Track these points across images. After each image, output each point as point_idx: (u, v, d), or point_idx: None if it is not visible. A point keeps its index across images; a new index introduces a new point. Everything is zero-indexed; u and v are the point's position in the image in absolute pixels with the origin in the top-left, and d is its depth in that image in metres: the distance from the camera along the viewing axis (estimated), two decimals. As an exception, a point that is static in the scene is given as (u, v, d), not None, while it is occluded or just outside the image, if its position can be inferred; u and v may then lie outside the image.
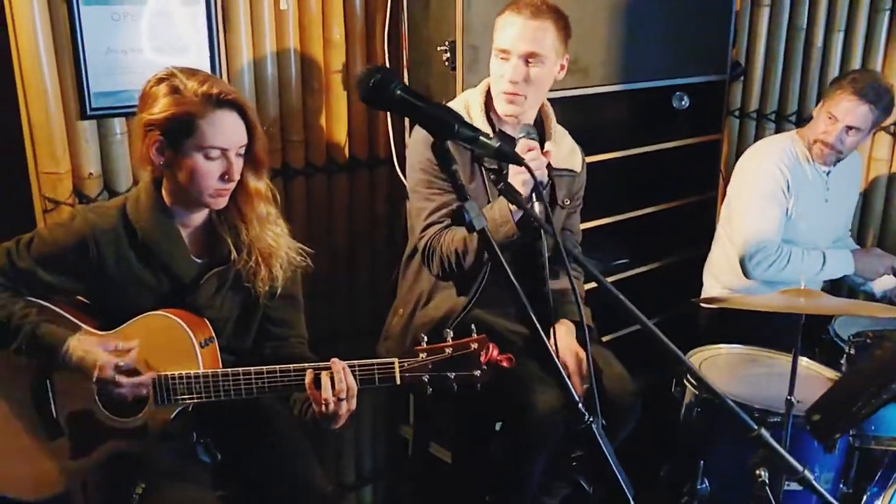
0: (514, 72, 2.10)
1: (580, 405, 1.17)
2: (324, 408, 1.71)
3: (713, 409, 2.29)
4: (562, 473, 2.39)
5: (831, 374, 2.43)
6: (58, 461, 1.85)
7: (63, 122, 2.06)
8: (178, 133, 1.74)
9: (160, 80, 1.77)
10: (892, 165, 3.25)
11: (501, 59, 2.12)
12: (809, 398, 2.25)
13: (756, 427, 1.40)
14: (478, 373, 1.68)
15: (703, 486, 2.31)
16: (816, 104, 2.95)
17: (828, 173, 2.95)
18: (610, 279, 3.09)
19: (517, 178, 1.93)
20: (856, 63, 3.25)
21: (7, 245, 1.81)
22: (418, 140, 2.21)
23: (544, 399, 2.10)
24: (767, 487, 1.70)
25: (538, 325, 1.18)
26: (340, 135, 2.55)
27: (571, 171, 2.33)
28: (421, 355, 1.71)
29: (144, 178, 1.87)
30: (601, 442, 1.13)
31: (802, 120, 3.05)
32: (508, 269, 1.17)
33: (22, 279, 1.79)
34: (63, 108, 2.06)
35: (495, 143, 1.22)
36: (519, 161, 1.23)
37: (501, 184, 1.36)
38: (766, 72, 3.48)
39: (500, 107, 2.17)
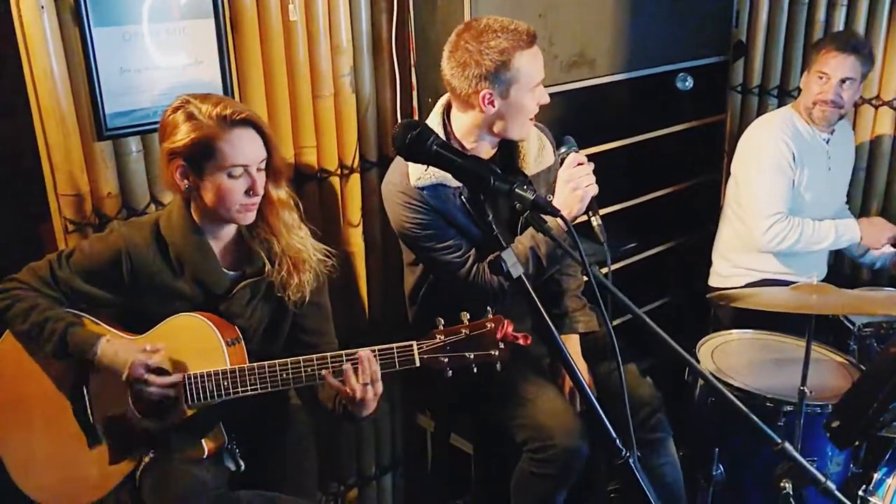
0: None
1: (617, 441, 1.22)
2: (351, 395, 1.78)
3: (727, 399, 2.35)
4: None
5: (841, 357, 2.49)
6: (98, 468, 1.93)
7: (80, 144, 2.07)
8: (200, 157, 1.82)
9: (176, 109, 1.84)
10: (895, 139, 3.28)
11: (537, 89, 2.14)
12: (820, 384, 2.32)
13: (780, 441, 1.46)
14: (495, 352, 1.69)
15: (719, 471, 2.39)
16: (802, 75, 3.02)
17: (827, 141, 3.00)
18: (619, 265, 3.13)
19: (573, 194, 1.96)
20: (859, 37, 3.25)
21: (50, 256, 1.94)
22: (396, 207, 2.18)
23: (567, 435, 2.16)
24: (791, 499, 1.76)
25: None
26: (351, 138, 2.55)
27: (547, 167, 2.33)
28: (438, 337, 1.72)
29: (175, 198, 1.94)
30: (639, 477, 1.18)
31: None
32: (545, 313, 1.21)
33: (61, 289, 1.90)
34: (80, 130, 2.06)
35: (531, 196, 1.25)
36: (555, 212, 1.26)
37: (528, 213, 1.38)
38: (767, 47, 3.46)
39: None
